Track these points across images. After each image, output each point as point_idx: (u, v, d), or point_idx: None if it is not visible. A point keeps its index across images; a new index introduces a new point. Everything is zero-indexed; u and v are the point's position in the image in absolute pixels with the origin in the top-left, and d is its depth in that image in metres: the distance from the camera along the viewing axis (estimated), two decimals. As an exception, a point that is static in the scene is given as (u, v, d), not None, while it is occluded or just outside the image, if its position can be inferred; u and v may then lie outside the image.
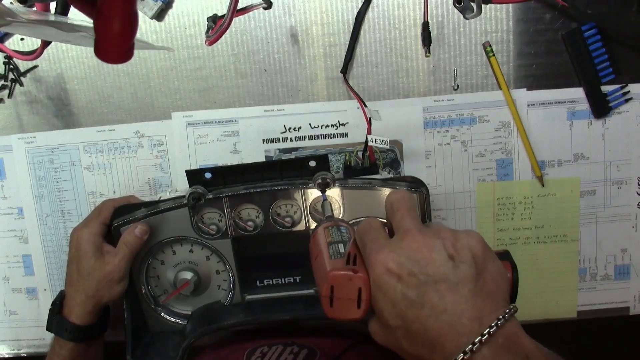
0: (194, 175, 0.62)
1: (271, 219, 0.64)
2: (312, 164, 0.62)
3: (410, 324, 0.38)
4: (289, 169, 0.63)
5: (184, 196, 0.63)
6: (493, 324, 0.37)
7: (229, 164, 0.71)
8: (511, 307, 0.39)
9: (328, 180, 0.61)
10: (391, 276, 0.39)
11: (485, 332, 0.37)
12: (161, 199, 0.66)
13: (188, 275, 0.66)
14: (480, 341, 0.36)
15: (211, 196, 0.62)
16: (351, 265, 0.42)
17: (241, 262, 0.66)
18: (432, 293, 0.38)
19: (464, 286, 0.38)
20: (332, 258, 0.44)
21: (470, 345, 0.36)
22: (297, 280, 0.68)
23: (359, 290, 0.40)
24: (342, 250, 0.45)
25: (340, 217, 0.63)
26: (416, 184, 0.62)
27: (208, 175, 0.62)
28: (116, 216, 0.64)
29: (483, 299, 0.38)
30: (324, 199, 0.61)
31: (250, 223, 0.64)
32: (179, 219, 0.64)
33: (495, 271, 0.40)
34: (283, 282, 0.68)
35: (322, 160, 0.62)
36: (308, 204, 0.63)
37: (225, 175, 0.63)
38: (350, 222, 0.53)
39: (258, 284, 0.68)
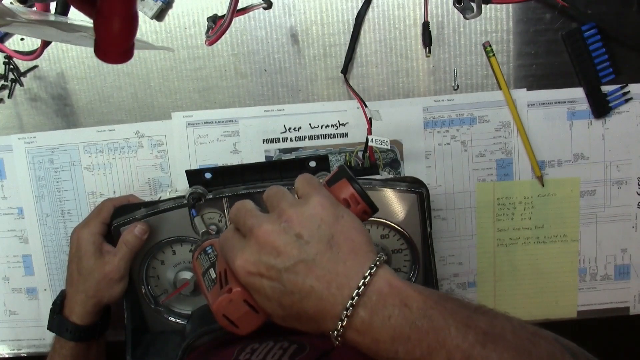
0: (193, 176, 0.62)
1: None
2: (312, 164, 0.62)
3: (290, 310, 0.39)
4: (289, 169, 0.63)
5: (183, 196, 0.63)
6: (360, 284, 0.37)
7: (229, 164, 0.71)
8: (376, 259, 0.39)
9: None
10: (254, 277, 0.39)
11: (354, 295, 0.37)
12: (161, 199, 0.65)
13: (188, 275, 0.66)
14: (352, 305, 0.37)
15: (211, 196, 0.62)
16: (225, 285, 0.43)
17: None
18: (294, 277, 0.38)
19: (321, 258, 0.38)
20: (208, 290, 0.45)
21: (345, 312, 0.37)
22: None
23: (245, 301, 0.42)
24: (213, 275, 0.46)
25: None
26: (416, 184, 0.62)
27: (208, 175, 0.62)
28: (116, 216, 0.64)
29: (344, 263, 0.38)
30: (194, 215, 0.61)
31: None
32: (179, 219, 0.64)
33: (347, 228, 0.40)
34: None
35: (322, 161, 0.62)
36: None
37: (225, 176, 0.63)
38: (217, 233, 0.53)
39: None
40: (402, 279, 0.39)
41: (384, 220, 0.62)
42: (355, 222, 0.41)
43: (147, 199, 0.70)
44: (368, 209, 0.43)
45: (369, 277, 0.37)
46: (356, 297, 0.37)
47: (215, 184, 0.63)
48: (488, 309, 0.39)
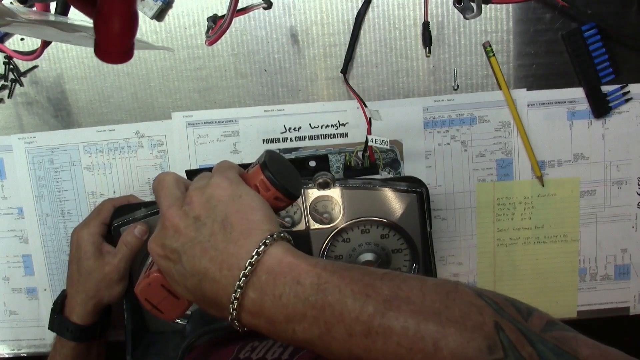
0: (193, 176, 0.62)
1: None
2: (312, 164, 0.62)
3: (195, 293, 0.39)
4: None
5: None
6: (247, 264, 0.36)
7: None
8: (268, 235, 0.38)
9: (328, 180, 0.61)
10: (163, 259, 0.40)
11: (241, 275, 0.36)
12: None
13: None
14: (239, 287, 0.36)
15: None
16: (149, 270, 0.44)
17: None
18: (191, 260, 0.38)
19: (215, 240, 0.38)
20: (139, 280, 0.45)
21: (233, 294, 0.36)
22: None
23: (162, 286, 0.42)
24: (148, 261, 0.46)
25: (340, 217, 0.63)
26: (416, 184, 0.62)
27: None
28: (116, 216, 0.64)
29: (235, 243, 0.38)
30: None
31: None
32: None
33: (243, 207, 0.39)
34: None
35: (322, 160, 0.62)
36: (308, 204, 0.63)
37: None
38: None
39: None
40: (300, 254, 0.38)
41: (383, 220, 0.62)
42: (254, 201, 0.40)
43: (147, 199, 0.70)
44: (280, 195, 0.42)
45: (256, 256, 0.37)
46: (243, 278, 0.36)
47: None
48: (398, 273, 0.37)
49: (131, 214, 0.64)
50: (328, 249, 0.64)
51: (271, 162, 0.44)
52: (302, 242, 0.63)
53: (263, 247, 0.37)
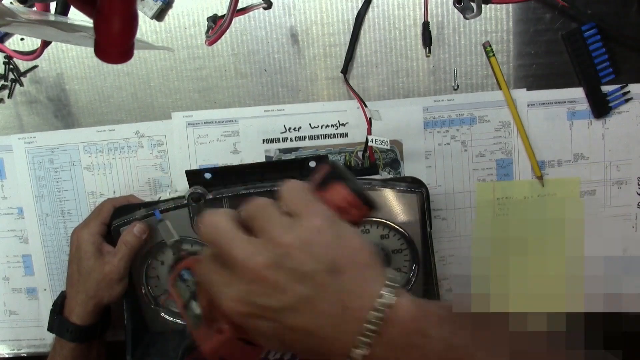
0: (193, 176, 0.62)
1: None
2: (312, 164, 0.62)
3: (293, 347, 0.35)
4: (289, 169, 0.63)
5: (183, 196, 0.63)
6: (372, 319, 0.32)
7: (229, 164, 0.71)
8: (388, 282, 0.33)
9: None
10: (247, 317, 0.34)
11: (366, 331, 0.32)
12: (161, 199, 0.65)
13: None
14: (366, 343, 0.32)
15: (211, 196, 0.62)
16: (213, 324, 0.37)
17: None
18: (295, 316, 0.33)
19: (324, 292, 0.33)
20: (195, 329, 0.39)
21: (359, 350, 0.32)
22: None
23: (240, 339, 0.37)
24: (197, 310, 0.39)
25: None
26: (416, 184, 0.62)
27: (208, 175, 0.62)
28: (116, 216, 0.64)
29: (350, 294, 0.33)
30: (158, 218, 0.59)
31: None
32: (179, 220, 0.63)
33: (350, 249, 0.34)
34: None
35: (322, 161, 0.62)
36: None
37: (225, 176, 0.63)
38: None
39: None
40: (421, 302, 0.34)
41: (383, 221, 0.62)
42: (357, 239, 0.35)
43: (147, 199, 0.70)
44: (369, 212, 0.37)
45: (381, 307, 0.32)
46: (370, 334, 0.32)
47: (215, 184, 0.63)
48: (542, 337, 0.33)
49: (131, 214, 0.64)
50: None
51: (349, 175, 0.37)
52: None
53: (387, 295, 0.32)
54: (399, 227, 0.63)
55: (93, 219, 0.65)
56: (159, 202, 0.65)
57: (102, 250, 0.64)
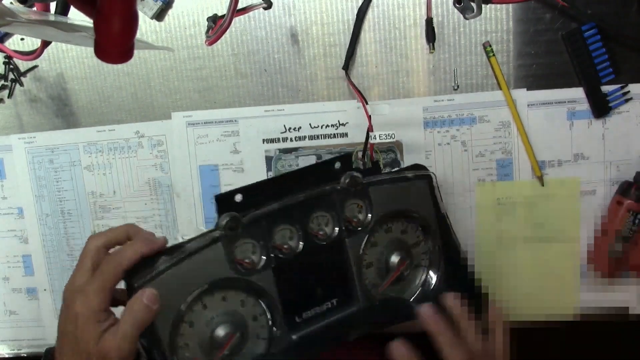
0: (224, 201, 0.52)
1: (310, 235, 0.55)
2: (337, 165, 0.57)
3: None
4: (317, 174, 0.57)
5: (210, 231, 0.51)
6: None
7: (229, 164, 0.71)
8: None
9: (358, 180, 0.56)
10: None
11: None
12: (184, 238, 0.52)
13: (227, 329, 0.52)
14: None
15: (247, 221, 0.52)
16: None
17: (284, 296, 0.54)
18: None
19: None
20: None
21: None
22: (335, 303, 0.57)
23: None
24: None
25: (368, 217, 0.57)
26: (421, 169, 0.61)
27: (239, 197, 0.53)
28: (131, 276, 0.49)
29: None
30: None
31: (287, 246, 0.55)
32: (209, 260, 0.51)
33: None
34: (322, 309, 0.57)
35: (346, 160, 0.58)
36: (340, 211, 0.57)
37: (256, 194, 0.54)
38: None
39: (297, 320, 0.56)
40: None
41: (411, 210, 0.60)
42: None
43: (147, 198, 0.70)
44: None
45: None
46: None
47: (247, 205, 0.53)
48: None
49: (150, 268, 0.49)
50: (363, 259, 0.58)
51: None
52: (334, 256, 0.57)
53: None
54: (419, 214, 0.60)
55: (90, 282, 0.49)
56: (184, 243, 0.51)
57: (104, 326, 0.48)
